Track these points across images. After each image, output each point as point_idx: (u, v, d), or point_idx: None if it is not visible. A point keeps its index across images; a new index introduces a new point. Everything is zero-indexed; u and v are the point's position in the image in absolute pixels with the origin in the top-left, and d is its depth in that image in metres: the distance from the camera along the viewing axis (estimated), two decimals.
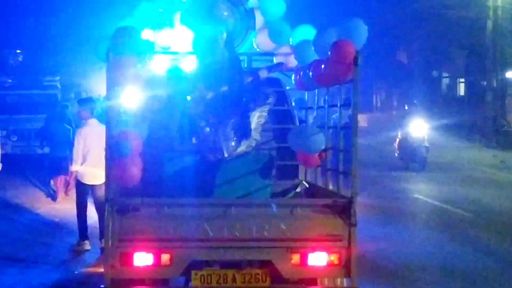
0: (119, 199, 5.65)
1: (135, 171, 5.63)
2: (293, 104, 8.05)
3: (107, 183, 5.68)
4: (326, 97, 6.89)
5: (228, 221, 5.63)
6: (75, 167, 9.27)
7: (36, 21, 26.55)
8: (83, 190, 9.45)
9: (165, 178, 6.54)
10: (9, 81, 20.59)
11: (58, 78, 20.75)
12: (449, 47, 31.60)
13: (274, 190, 6.92)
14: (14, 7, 25.28)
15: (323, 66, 5.84)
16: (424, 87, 33.47)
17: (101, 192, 9.44)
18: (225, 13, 7.08)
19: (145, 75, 6.62)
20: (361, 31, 5.75)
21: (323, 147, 6.02)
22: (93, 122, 9.40)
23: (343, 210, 5.66)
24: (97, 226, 9.44)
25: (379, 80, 36.86)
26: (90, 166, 9.24)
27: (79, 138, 9.27)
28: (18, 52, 27.20)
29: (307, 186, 7.08)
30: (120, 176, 5.61)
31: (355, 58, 5.51)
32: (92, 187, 9.41)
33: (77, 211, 9.48)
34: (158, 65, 7.42)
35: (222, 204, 5.77)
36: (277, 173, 7.12)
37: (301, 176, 7.46)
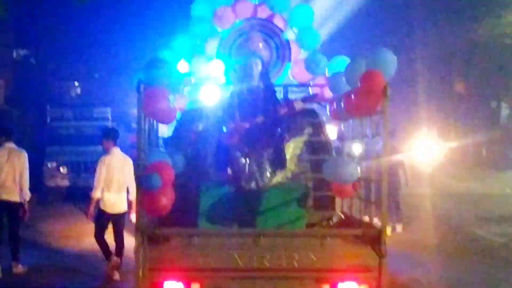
0: (150, 229, 5.84)
1: (165, 201, 5.77)
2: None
3: (138, 213, 5.88)
4: (360, 128, 6.98)
5: (258, 251, 5.76)
6: (95, 194, 9.55)
7: (91, 53, 27.31)
8: (103, 219, 9.71)
9: (201, 208, 6.68)
10: (63, 113, 21.15)
11: (109, 109, 21.13)
12: (508, 77, 31.13)
13: (309, 221, 6.99)
14: (70, 41, 26.14)
15: (353, 97, 5.97)
16: (482, 118, 32.98)
17: (121, 223, 9.72)
18: (261, 44, 7.31)
19: (180, 106, 6.89)
20: (390, 62, 5.84)
21: (356, 178, 6.12)
22: (116, 151, 9.71)
23: (373, 240, 5.73)
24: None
25: (435, 111, 36.38)
26: (112, 194, 9.53)
27: (102, 166, 9.57)
28: (75, 85, 27.89)
29: (343, 217, 7.15)
30: (150, 206, 5.78)
31: (384, 89, 5.62)
32: (113, 216, 9.67)
33: (96, 239, 9.71)
34: (205, 95, 7.65)
35: (252, 234, 5.91)
36: (313, 204, 7.23)
37: (338, 207, 7.54)
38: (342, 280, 5.74)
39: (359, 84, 5.79)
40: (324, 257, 5.76)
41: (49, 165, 19.63)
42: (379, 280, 5.69)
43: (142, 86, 5.78)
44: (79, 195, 17.10)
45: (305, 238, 6.01)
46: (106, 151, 9.73)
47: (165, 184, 5.74)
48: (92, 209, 9.63)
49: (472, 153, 29.90)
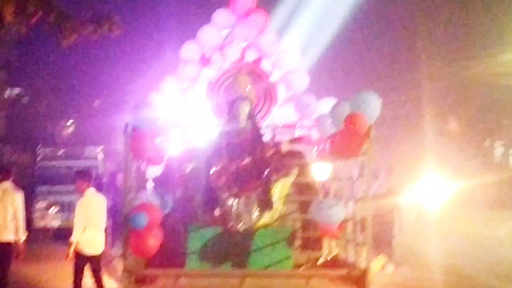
0: (136, 270, 5.95)
1: (152, 242, 5.89)
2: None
3: (124, 253, 5.99)
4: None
5: None
6: (75, 238, 9.54)
7: (84, 92, 27.34)
8: (82, 262, 9.65)
9: (189, 248, 6.76)
10: (54, 152, 21.07)
11: (100, 148, 21.08)
12: (501, 116, 31.45)
13: (297, 261, 7.06)
14: (64, 79, 26.26)
15: (337, 138, 6.14)
16: (476, 156, 33.21)
17: (99, 264, 9.66)
18: (248, 87, 7.47)
19: (168, 148, 7.02)
20: (374, 104, 6.04)
21: (342, 219, 6.25)
22: (90, 192, 9.73)
23: (358, 281, 5.85)
24: None
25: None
26: (89, 233, 9.51)
27: (80, 209, 9.59)
28: (68, 124, 27.67)
29: (328, 258, 7.24)
30: (137, 247, 5.89)
31: (368, 131, 5.79)
32: (90, 258, 9.64)
33: (74, 284, 9.65)
34: (193, 137, 7.80)
35: (237, 274, 6.01)
36: (301, 244, 7.34)
37: (326, 247, 7.63)
38: None
39: (343, 126, 5.96)
40: None
41: (38, 205, 19.43)
42: None
43: (129, 128, 5.93)
44: (70, 235, 16.93)
45: (290, 278, 6.08)
46: (81, 192, 9.69)
47: (152, 224, 5.85)
48: (71, 251, 9.62)
49: (470, 193, 30.02)
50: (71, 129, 28.33)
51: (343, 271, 6.11)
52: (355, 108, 5.99)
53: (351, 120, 5.88)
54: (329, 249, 7.57)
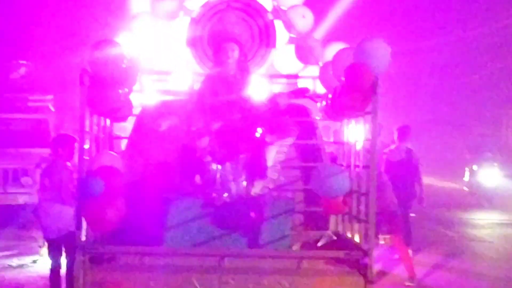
0: (92, 246, 6.06)
1: (111, 214, 5.93)
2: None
3: (78, 226, 6.09)
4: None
5: (221, 275, 6.02)
6: None
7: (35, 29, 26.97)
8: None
9: (163, 223, 6.84)
10: None
11: (51, 97, 19.40)
12: None
13: (296, 241, 7.22)
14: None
15: (337, 93, 6.18)
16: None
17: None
18: (239, 26, 7.45)
19: (137, 100, 7.02)
20: (382, 53, 6.10)
21: (346, 190, 6.32)
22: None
23: (360, 265, 5.97)
24: None
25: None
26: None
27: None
28: (21, 63, 26.08)
29: (334, 237, 7.33)
30: (92, 219, 5.96)
31: (373, 86, 5.86)
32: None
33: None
34: (169, 87, 7.80)
35: (214, 254, 6.15)
36: (304, 221, 7.43)
37: (333, 224, 7.73)
38: None
39: (343, 79, 6.05)
40: (299, 283, 6.01)
41: None
42: None
43: (85, 77, 5.95)
44: (6, 215, 15.77)
45: (278, 260, 6.18)
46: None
47: (111, 193, 5.91)
48: None
49: None
50: (19, 73, 27.31)
51: (339, 253, 6.22)
52: (360, 57, 6.01)
53: (351, 71, 5.92)
54: (336, 227, 7.67)
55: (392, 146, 12.72)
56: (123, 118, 7.22)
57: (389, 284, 10.63)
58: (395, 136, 12.73)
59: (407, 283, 10.56)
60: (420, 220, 16.41)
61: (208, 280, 6.01)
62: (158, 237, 6.67)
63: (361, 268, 6.00)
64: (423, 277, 11.39)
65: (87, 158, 6.35)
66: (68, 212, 8.14)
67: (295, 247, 7.13)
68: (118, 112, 6.66)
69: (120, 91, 6.33)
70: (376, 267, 8.72)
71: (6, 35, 24.80)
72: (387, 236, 11.54)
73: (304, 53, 8.00)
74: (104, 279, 5.97)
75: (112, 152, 7.03)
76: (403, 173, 12.42)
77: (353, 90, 5.94)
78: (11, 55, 26.24)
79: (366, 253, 6.01)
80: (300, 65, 8.18)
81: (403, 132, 12.97)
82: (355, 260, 6.07)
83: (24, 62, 24.54)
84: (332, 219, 7.68)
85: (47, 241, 9.08)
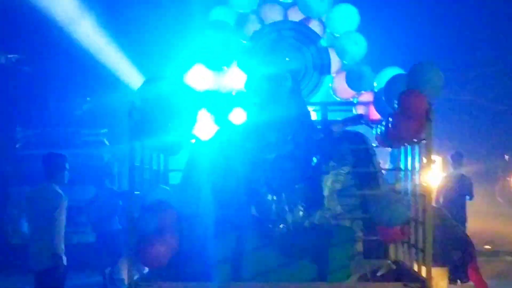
0: (142, 283, 6.07)
1: (162, 250, 5.96)
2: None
3: (129, 263, 6.11)
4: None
5: None
6: None
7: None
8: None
9: (217, 257, 6.75)
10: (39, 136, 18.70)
11: (105, 131, 19.70)
12: None
13: (355, 272, 7.04)
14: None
15: (390, 120, 6.12)
16: None
17: None
18: (291, 53, 7.43)
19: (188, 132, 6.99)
20: (435, 79, 6.05)
21: (405, 219, 6.21)
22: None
23: None
24: None
25: None
26: None
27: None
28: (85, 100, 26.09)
29: (394, 267, 7.21)
30: (143, 255, 5.98)
31: (427, 113, 5.77)
32: None
33: None
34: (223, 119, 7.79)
35: None
36: (363, 250, 7.30)
37: (393, 253, 7.59)
38: None
39: (396, 106, 6.01)
40: None
41: (15, 213, 17.26)
42: None
43: (135, 113, 6.05)
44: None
45: None
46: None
47: (164, 229, 5.94)
48: None
49: None
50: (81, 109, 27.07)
51: (397, 285, 6.17)
52: (412, 83, 5.94)
53: (404, 98, 5.90)
54: (395, 256, 7.55)
55: (446, 173, 12.71)
56: (174, 152, 7.23)
57: None
58: (449, 162, 12.77)
59: None
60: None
61: None
62: (213, 271, 6.59)
63: None
64: None
65: (138, 193, 6.37)
66: None
67: (354, 278, 7.00)
68: (169, 145, 6.66)
69: (170, 124, 6.32)
70: None
71: (68, 72, 24.98)
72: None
73: (356, 80, 7.94)
74: None
75: (164, 186, 7.04)
76: (456, 200, 12.40)
77: (406, 117, 5.86)
78: (74, 91, 26.49)
79: (424, 284, 5.90)
80: (352, 92, 8.12)
81: (457, 159, 13.02)
82: None
83: (89, 99, 24.57)
84: (392, 247, 7.56)
85: None
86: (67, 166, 9.07)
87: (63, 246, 8.96)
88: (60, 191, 9.03)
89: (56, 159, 9.25)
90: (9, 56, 25.74)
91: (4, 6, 21.63)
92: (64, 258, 8.94)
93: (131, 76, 20.12)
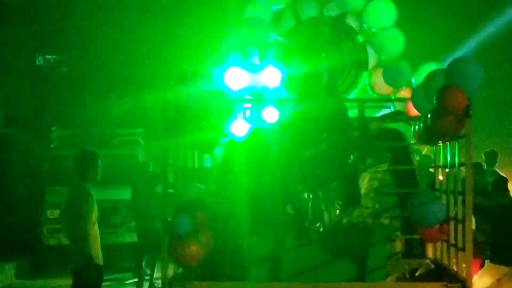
0: (178, 283, 6.06)
1: (196, 249, 5.91)
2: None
3: (164, 263, 6.08)
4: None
5: None
6: None
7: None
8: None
9: (253, 256, 6.69)
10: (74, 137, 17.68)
11: (140, 130, 18.88)
12: None
13: (393, 271, 6.99)
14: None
15: (429, 116, 6.02)
16: None
17: None
18: (328, 49, 7.39)
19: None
20: (474, 75, 5.91)
21: (443, 218, 6.11)
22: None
23: None
24: None
25: None
26: None
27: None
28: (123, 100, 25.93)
29: (432, 266, 7.12)
30: (177, 255, 5.94)
31: (466, 109, 5.67)
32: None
33: None
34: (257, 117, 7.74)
35: None
36: (401, 249, 7.24)
37: (431, 252, 7.52)
38: None
39: (434, 103, 5.89)
40: None
41: (49, 213, 16.57)
42: None
43: (169, 108, 6.01)
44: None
45: None
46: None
47: (198, 229, 5.90)
48: None
49: None
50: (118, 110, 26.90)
51: (438, 285, 6.07)
52: (451, 79, 5.85)
53: (442, 94, 5.78)
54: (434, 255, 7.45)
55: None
56: (209, 150, 7.20)
57: None
58: (483, 160, 12.67)
59: None
60: None
61: None
62: (248, 271, 6.54)
63: None
64: None
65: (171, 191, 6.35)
66: None
67: (392, 277, 6.93)
68: (204, 143, 6.62)
69: (204, 121, 6.29)
70: None
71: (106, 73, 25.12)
72: None
73: (393, 76, 7.84)
74: None
75: (198, 185, 7.01)
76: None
77: (445, 114, 5.76)
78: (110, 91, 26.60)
79: (464, 284, 5.80)
80: (392, 87, 8.02)
81: (491, 157, 12.93)
82: None
83: (126, 99, 24.58)
84: (431, 246, 7.47)
85: None
86: (99, 163, 8.98)
87: (96, 246, 8.92)
88: (89, 189, 8.96)
89: (88, 156, 9.21)
90: (47, 57, 26.07)
91: (43, 8, 21.87)
92: (99, 258, 8.90)
93: (167, 74, 20.10)
